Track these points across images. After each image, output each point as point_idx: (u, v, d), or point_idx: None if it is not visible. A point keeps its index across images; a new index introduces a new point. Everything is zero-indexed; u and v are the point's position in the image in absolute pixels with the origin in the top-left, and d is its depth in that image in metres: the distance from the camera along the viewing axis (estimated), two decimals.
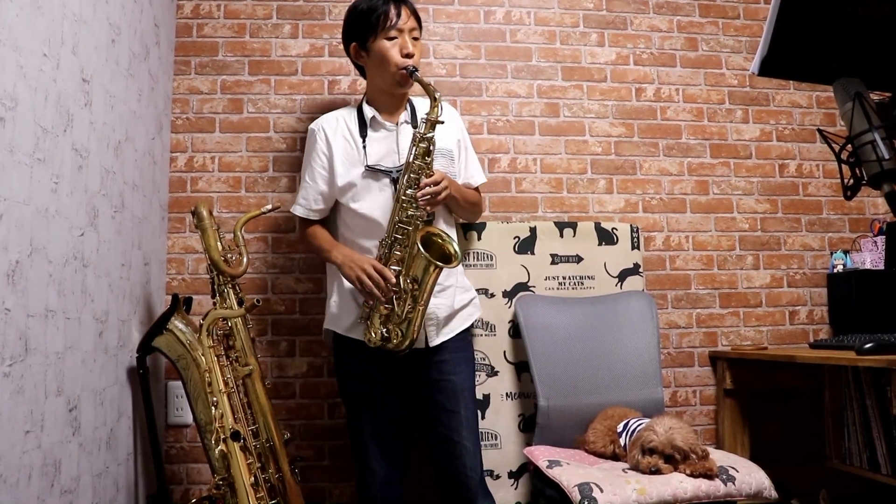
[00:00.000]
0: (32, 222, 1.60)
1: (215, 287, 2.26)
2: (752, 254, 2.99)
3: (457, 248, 2.14)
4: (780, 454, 2.73)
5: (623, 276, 2.73)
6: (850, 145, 1.40)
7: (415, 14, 2.26)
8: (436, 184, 2.12)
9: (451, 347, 2.26)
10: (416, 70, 2.18)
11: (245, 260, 2.31)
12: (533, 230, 2.70)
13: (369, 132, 2.28)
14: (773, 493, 2.06)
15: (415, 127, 2.26)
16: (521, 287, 2.66)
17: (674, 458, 2.03)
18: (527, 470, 2.53)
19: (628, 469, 2.11)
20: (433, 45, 2.90)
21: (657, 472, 2.02)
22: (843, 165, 1.43)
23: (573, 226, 2.73)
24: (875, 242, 2.87)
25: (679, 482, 1.98)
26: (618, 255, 2.75)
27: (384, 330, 2.11)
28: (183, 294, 2.38)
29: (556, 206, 2.88)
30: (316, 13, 2.87)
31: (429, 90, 2.12)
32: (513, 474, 2.53)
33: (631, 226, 2.78)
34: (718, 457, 2.14)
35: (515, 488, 2.51)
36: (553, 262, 2.70)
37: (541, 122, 2.92)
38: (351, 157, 2.26)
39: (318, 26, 2.86)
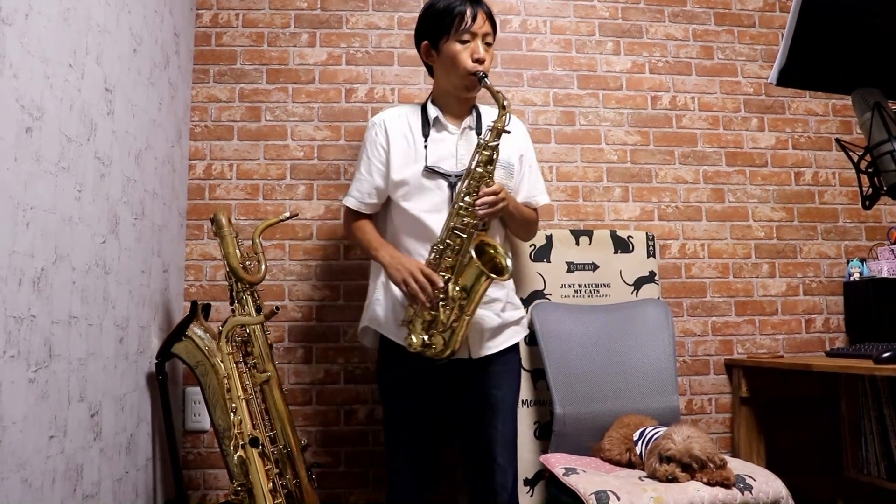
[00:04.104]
0: (57, 230, 1.63)
1: (234, 294, 2.28)
2: (767, 262, 2.98)
3: (510, 262, 2.07)
4: (797, 463, 2.72)
5: (639, 283, 2.73)
6: (868, 155, 1.40)
7: (491, 19, 2.18)
8: (495, 194, 2.04)
9: (495, 360, 2.19)
10: (486, 76, 2.11)
11: (263, 267, 2.33)
12: (549, 238, 2.71)
13: (431, 132, 2.21)
14: (791, 503, 2.05)
15: (479, 134, 2.19)
16: (538, 295, 2.66)
17: (691, 467, 2.03)
18: (543, 477, 2.53)
19: (645, 477, 2.11)
20: None
21: (674, 480, 2.01)
22: (862, 175, 1.43)
23: (589, 234, 2.74)
24: (892, 251, 2.86)
25: (696, 490, 1.97)
26: (633, 263, 2.75)
27: (426, 336, 2.05)
28: (201, 301, 2.40)
29: (572, 214, 2.89)
30: (333, 22, 2.89)
31: (497, 98, 2.06)
32: (528, 481, 2.53)
33: (646, 234, 2.79)
34: (736, 465, 2.14)
35: (531, 496, 2.52)
36: (569, 270, 2.70)
37: (557, 131, 2.93)
38: (409, 155, 2.19)
39: (336, 35, 2.89)
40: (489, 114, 2.25)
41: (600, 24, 3.02)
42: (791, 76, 1.44)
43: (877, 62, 1.43)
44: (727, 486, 1.99)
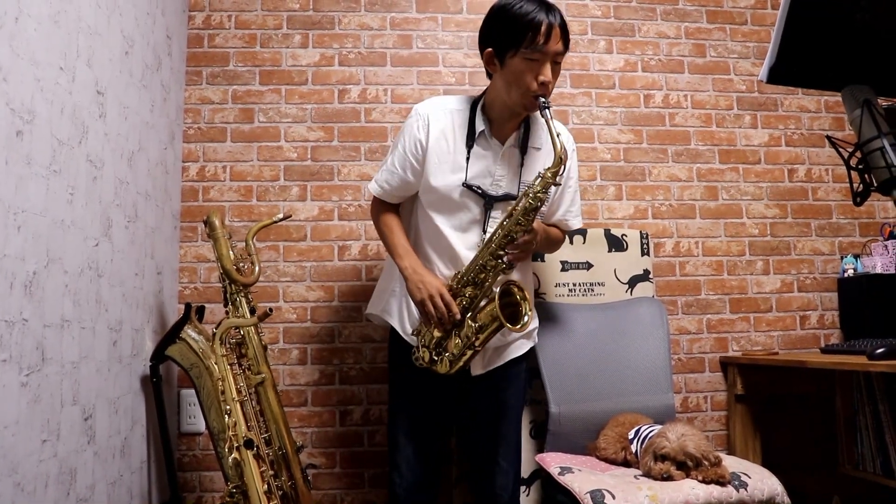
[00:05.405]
0: (49, 233, 1.62)
1: (227, 296, 2.27)
2: (761, 259, 2.99)
3: (529, 311, 2.01)
4: (792, 460, 2.72)
5: (633, 282, 2.73)
6: (859, 152, 1.40)
7: (565, 34, 1.96)
8: (528, 242, 1.98)
9: (503, 366, 2.17)
10: (549, 106, 1.93)
11: (257, 269, 2.32)
12: None
13: (475, 146, 2.07)
14: (786, 500, 2.06)
15: (523, 153, 2.10)
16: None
17: (686, 465, 2.03)
18: (538, 477, 2.53)
19: (640, 475, 2.11)
20: (442, 53, 2.92)
21: (669, 478, 2.01)
22: (853, 172, 1.44)
23: (583, 233, 2.74)
24: (886, 246, 2.86)
25: (691, 488, 1.97)
26: (628, 261, 2.75)
27: (433, 354, 2.03)
28: (195, 303, 2.40)
29: None
30: (326, 23, 2.89)
31: (555, 145, 1.90)
32: (524, 481, 2.52)
33: (641, 232, 2.79)
34: (731, 463, 2.14)
35: (527, 495, 2.51)
36: (563, 269, 2.70)
37: None
38: (446, 162, 2.07)
39: (328, 36, 2.88)
40: (538, 124, 2.13)
41: (592, 23, 3.02)
42: (781, 74, 1.44)
43: (866, 59, 1.43)
44: (722, 484, 1.99)
